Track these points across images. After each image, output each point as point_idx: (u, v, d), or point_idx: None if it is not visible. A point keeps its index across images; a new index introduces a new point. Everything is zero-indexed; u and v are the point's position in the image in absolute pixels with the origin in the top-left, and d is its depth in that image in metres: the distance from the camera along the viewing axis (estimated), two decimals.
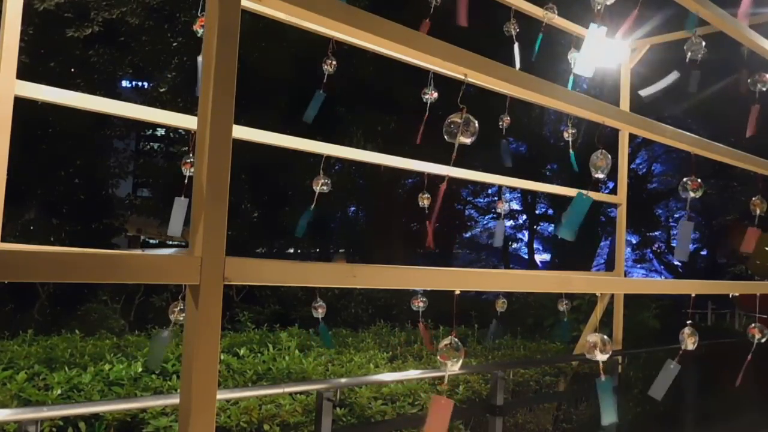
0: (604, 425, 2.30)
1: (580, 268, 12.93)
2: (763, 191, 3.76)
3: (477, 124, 1.94)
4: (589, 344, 2.27)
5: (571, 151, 4.55)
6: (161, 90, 10.31)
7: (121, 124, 11.46)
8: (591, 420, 5.51)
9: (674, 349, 2.99)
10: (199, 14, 2.56)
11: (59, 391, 3.47)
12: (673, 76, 3.31)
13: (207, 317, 1.41)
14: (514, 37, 4.34)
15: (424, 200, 4.36)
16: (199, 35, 2.48)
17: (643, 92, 3.34)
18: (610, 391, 2.29)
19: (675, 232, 22.45)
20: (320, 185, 3.80)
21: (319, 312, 3.39)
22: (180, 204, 2.89)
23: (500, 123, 4.67)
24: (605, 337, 2.28)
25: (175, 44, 10.22)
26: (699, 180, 2.97)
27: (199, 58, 2.50)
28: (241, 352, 4.84)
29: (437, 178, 4.43)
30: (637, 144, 17.17)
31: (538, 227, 21.65)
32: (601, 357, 2.23)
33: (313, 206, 3.74)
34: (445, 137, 1.95)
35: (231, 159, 1.46)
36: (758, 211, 3.76)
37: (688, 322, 3.02)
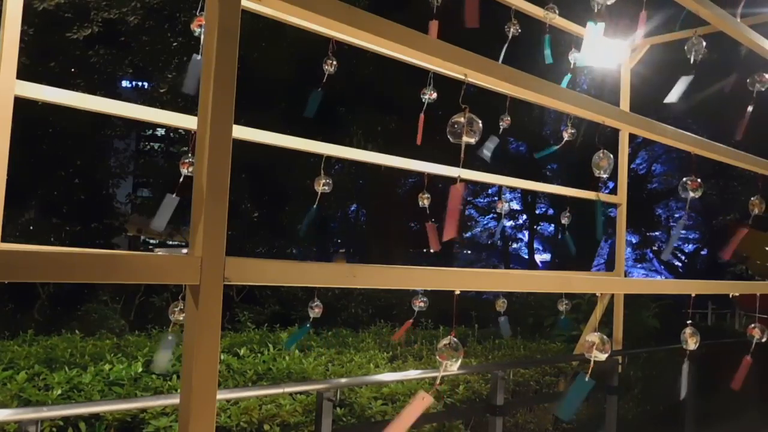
0: (559, 417, 2.29)
1: (580, 268, 12.92)
2: (762, 191, 3.76)
3: (480, 124, 1.94)
4: (588, 344, 2.27)
5: (554, 145, 4.60)
6: (161, 90, 10.31)
7: (121, 124, 11.46)
8: (591, 420, 5.51)
9: (674, 349, 2.99)
10: (198, 14, 2.56)
11: (59, 391, 3.46)
12: (686, 79, 3.31)
13: (207, 317, 1.41)
14: (509, 38, 4.34)
15: (424, 200, 4.36)
16: (196, 34, 2.48)
17: (671, 98, 3.34)
18: (584, 393, 2.26)
19: (674, 232, 22.45)
20: (321, 185, 3.80)
21: (315, 312, 3.37)
22: (169, 201, 2.85)
23: (500, 123, 4.68)
24: (604, 336, 2.28)
25: (175, 44, 10.22)
26: (699, 180, 2.97)
27: (196, 56, 2.51)
28: (241, 352, 4.84)
29: (437, 178, 4.44)
30: (637, 144, 17.17)
31: (538, 227, 21.66)
32: (600, 357, 2.23)
33: (315, 206, 3.75)
34: (450, 138, 1.95)
35: (231, 159, 1.46)
36: (756, 211, 3.75)
37: (689, 322, 3.02)
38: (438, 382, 2.06)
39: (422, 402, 1.81)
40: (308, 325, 3.37)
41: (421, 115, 3.41)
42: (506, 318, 4.79)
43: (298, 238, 12.52)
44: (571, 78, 4.54)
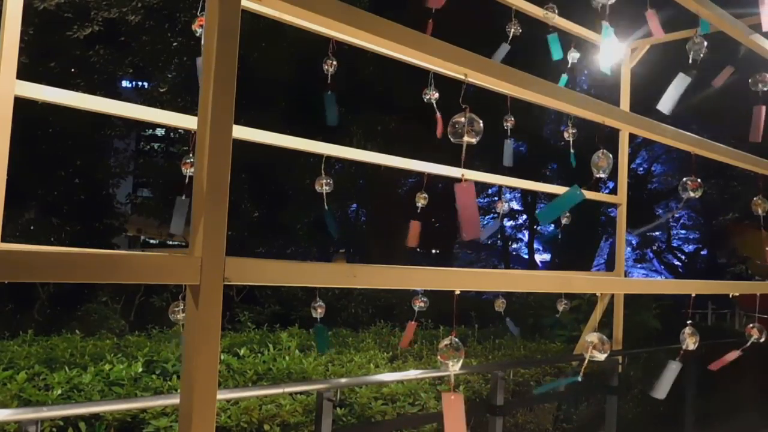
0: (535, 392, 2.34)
1: (580, 268, 12.93)
2: (763, 191, 3.76)
3: (481, 124, 1.94)
4: (587, 344, 2.27)
5: (571, 150, 4.60)
6: (161, 90, 10.31)
7: (121, 124, 11.45)
8: (591, 420, 5.50)
9: (674, 349, 2.99)
10: (198, 14, 2.56)
11: (59, 391, 3.46)
12: (683, 80, 3.28)
13: (207, 317, 1.41)
14: (509, 38, 4.35)
15: (421, 200, 4.36)
16: (197, 35, 2.49)
17: (664, 108, 3.26)
18: (566, 383, 2.32)
19: (675, 232, 22.47)
20: (323, 185, 3.80)
21: (318, 312, 3.37)
22: (181, 203, 2.91)
23: (505, 124, 4.68)
24: (603, 336, 2.28)
25: (175, 44, 10.22)
26: (699, 180, 2.97)
27: (199, 60, 2.52)
28: (241, 352, 4.84)
29: (437, 178, 4.44)
30: (637, 144, 17.17)
31: (538, 227, 21.67)
32: (599, 357, 2.23)
33: (326, 206, 3.78)
34: (451, 138, 1.95)
35: (231, 159, 1.46)
36: (759, 211, 3.75)
37: (689, 322, 3.03)
38: (452, 382, 2.05)
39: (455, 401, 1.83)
40: (321, 325, 3.35)
41: (438, 115, 3.42)
42: (509, 319, 4.83)
43: (297, 238, 12.51)
44: (569, 78, 4.55)
